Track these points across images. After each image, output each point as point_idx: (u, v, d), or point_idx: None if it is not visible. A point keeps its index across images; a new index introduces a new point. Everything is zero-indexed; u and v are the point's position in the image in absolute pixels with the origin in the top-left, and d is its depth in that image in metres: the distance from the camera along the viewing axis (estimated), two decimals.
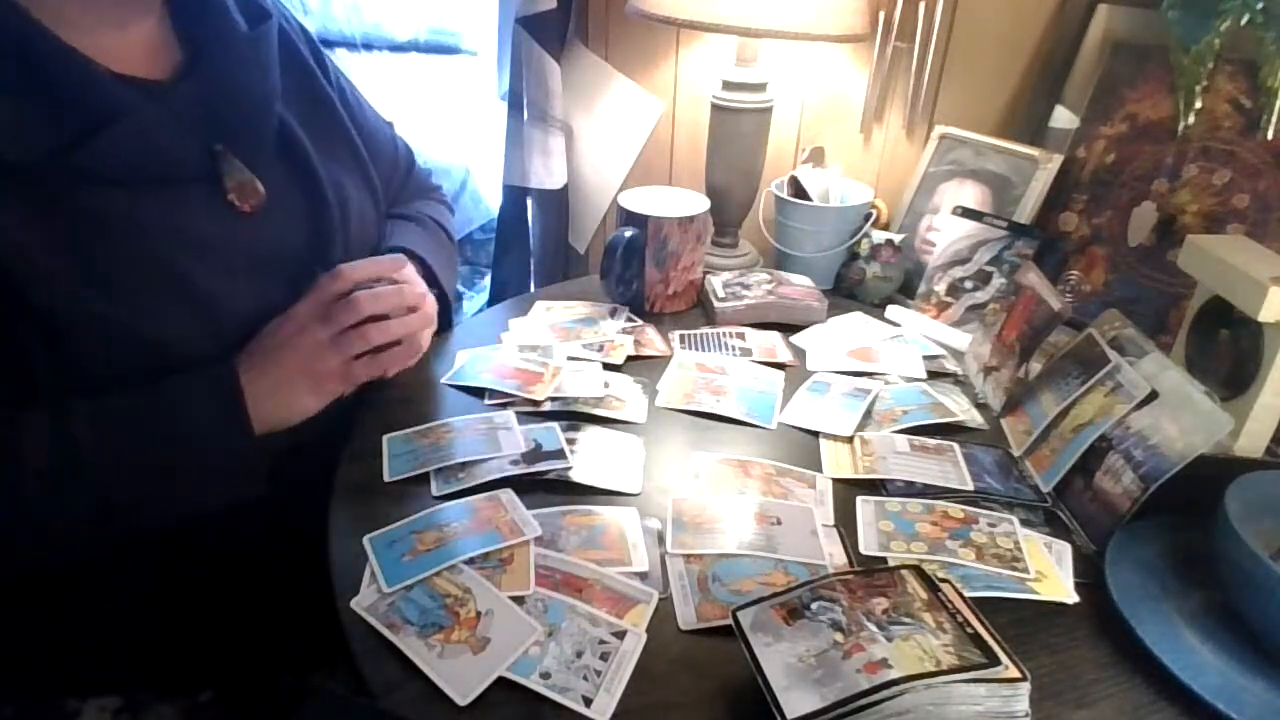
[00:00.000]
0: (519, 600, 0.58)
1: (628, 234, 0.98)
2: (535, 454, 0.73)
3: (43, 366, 0.60)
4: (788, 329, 1.00)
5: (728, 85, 1.08)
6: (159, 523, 0.65)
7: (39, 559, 0.64)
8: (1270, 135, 0.86)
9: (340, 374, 0.70)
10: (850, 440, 0.79)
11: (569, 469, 0.71)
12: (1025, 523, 0.68)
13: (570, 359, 0.89)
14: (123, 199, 0.62)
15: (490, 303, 1.70)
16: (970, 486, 0.71)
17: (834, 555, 0.65)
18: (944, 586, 0.54)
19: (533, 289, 1.56)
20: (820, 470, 0.75)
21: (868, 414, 0.82)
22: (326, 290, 0.69)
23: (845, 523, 0.68)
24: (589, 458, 0.74)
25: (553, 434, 0.76)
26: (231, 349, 0.67)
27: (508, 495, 0.68)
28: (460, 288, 2.12)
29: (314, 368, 0.67)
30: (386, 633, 0.55)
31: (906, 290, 1.09)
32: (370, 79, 2.35)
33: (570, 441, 0.75)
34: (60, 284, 0.59)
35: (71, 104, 0.60)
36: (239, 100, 0.69)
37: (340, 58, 2.39)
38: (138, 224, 0.62)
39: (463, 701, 0.51)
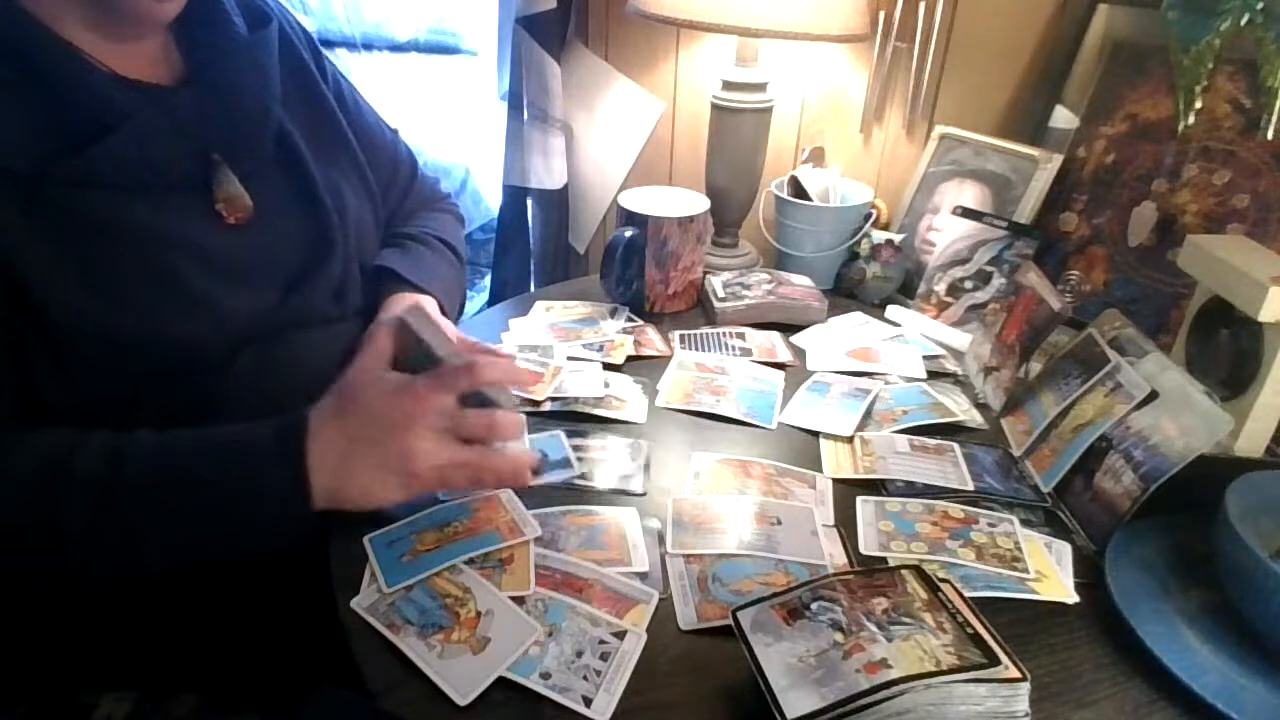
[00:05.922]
0: (519, 600, 0.58)
1: (628, 234, 0.98)
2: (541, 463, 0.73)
3: (46, 376, 0.60)
4: (788, 329, 1.00)
5: (728, 85, 1.08)
6: (189, 566, 0.62)
7: (75, 573, 0.61)
8: (1270, 135, 0.86)
9: (434, 479, 0.61)
10: (850, 440, 0.79)
11: (577, 477, 0.71)
12: (1025, 523, 0.68)
13: (570, 359, 0.89)
14: (117, 203, 0.62)
15: (490, 303, 1.70)
16: (970, 486, 0.71)
17: (834, 555, 0.65)
18: (944, 586, 0.54)
19: (533, 289, 1.56)
20: (820, 470, 0.75)
21: (868, 414, 0.82)
22: (451, 386, 0.61)
23: (845, 523, 0.68)
24: (595, 463, 0.74)
25: (557, 442, 0.76)
26: (233, 348, 0.66)
27: (508, 495, 0.68)
28: None
29: (412, 466, 0.60)
30: (386, 633, 0.55)
31: (906, 290, 1.09)
32: (370, 79, 2.35)
33: (576, 449, 0.75)
34: (60, 287, 0.59)
35: (72, 106, 0.60)
36: (238, 107, 0.69)
37: (340, 58, 2.38)
38: (133, 228, 0.62)
39: (463, 701, 0.51)
